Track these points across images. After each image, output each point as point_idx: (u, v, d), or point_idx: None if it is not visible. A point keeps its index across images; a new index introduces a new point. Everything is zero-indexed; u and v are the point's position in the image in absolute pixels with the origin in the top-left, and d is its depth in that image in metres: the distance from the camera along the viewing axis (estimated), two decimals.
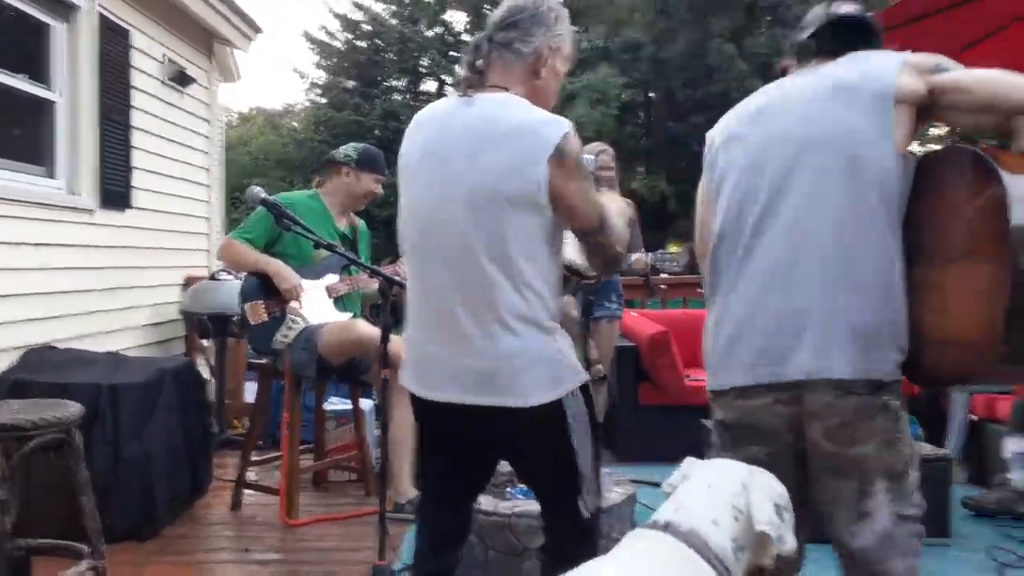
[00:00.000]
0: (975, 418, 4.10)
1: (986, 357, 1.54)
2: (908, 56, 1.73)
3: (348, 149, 3.68)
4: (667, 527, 1.34)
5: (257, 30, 6.23)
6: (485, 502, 2.66)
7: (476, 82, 1.84)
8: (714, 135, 1.95)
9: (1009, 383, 1.70)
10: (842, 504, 1.73)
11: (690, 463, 1.51)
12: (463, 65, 1.88)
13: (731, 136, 1.89)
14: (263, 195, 3.00)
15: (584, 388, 1.85)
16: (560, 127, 1.75)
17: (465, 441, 1.91)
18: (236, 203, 14.34)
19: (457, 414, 1.82)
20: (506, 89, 1.83)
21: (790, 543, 1.38)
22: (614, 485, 2.84)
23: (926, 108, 1.69)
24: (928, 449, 3.50)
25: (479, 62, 1.85)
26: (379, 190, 3.68)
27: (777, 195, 1.75)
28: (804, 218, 1.72)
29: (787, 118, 1.79)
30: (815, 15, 1.91)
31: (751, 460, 1.55)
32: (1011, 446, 3.62)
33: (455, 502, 2.00)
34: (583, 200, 1.77)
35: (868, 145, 1.69)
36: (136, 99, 4.83)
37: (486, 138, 1.76)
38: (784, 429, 1.76)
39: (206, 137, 5.97)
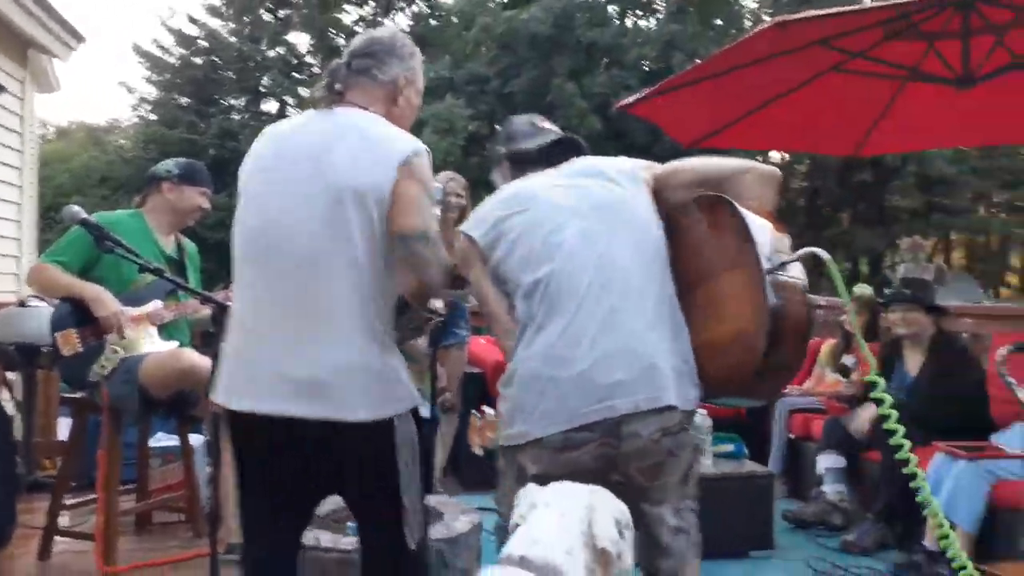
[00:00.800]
0: (792, 436, 4.41)
1: (760, 343, 1.77)
2: (626, 159, 2.14)
3: (169, 164, 3.48)
4: (522, 561, 1.33)
5: (79, 39, 5.82)
6: (325, 539, 2.55)
7: (335, 100, 1.89)
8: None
9: (775, 385, 1.99)
10: (653, 527, 1.93)
11: (534, 491, 1.51)
12: (319, 88, 1.92)
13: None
14: (82, 214, 2.77)
15: (415, 413, 1.83)
16: (416, 144, 1.83)
17: (285, 460, 1.81)
18: (51, 223, 13.25)
19: (278, 428, 1.74)
20: (366, 108, 1.88)
21: (628, 562, 1.41)
22: (460, 514, 2.80)
23: (653, 193, 2.05)
24: (752, 466, 3.73)
25: (337, 85, 1.90)
26: (206, 204, 3.46)
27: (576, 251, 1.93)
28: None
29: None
30: (529, 132, 2.21)
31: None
32: (824, 462, 3.92)
33: (279, 538, 1.91)
34: (417, 203, 1.78)
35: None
36: None
37: (341, 139, 1.79)
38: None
39: (17, 151, 5.47)
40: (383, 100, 1.92)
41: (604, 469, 1.86)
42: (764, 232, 1.87)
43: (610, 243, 1.92)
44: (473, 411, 2.38)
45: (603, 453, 1.83)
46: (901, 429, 1.87)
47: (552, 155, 2.16)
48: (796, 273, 1.86)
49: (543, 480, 1.81)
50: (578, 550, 1.37)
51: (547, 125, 2.26)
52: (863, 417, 3.87)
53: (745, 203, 1.91)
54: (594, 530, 1.39)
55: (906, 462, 1.93)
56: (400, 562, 1.83)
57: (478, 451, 2.41)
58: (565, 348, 1.82)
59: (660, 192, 2.07)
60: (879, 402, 1.89)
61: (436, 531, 2.59)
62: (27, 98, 5.66)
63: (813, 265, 2.05)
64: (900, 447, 1.90)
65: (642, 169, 2.11)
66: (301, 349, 1.73)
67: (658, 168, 2.11)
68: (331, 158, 1.77)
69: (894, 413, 1.88)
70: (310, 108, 1.94)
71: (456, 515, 2.76)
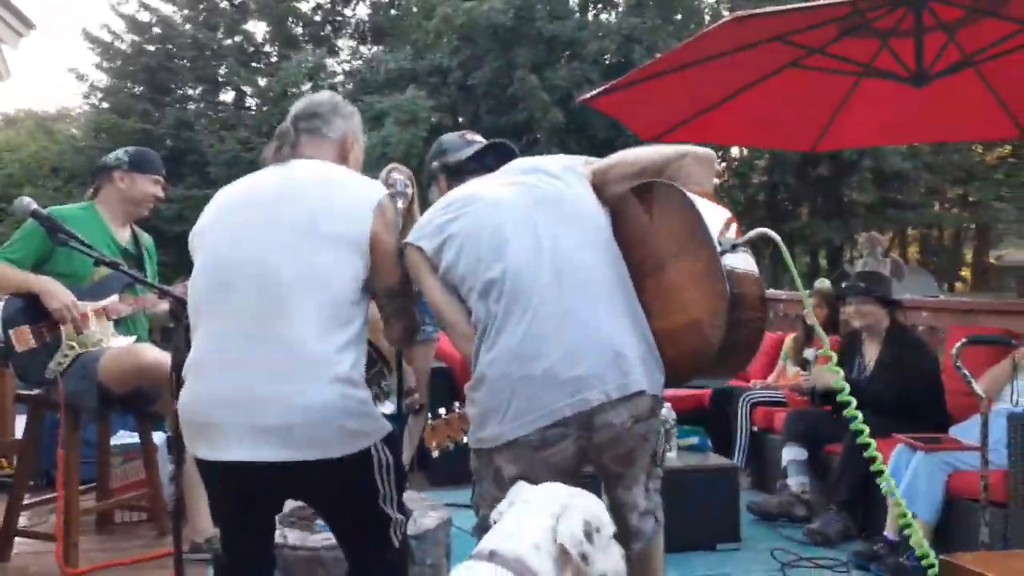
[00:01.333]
0: (755, 429, 4.48)
1: (719, 323, 1.80)
2: (563, 156, 2.18)
3: (119, 153, 3.40)
4: (492, 556, 1.34)
5: (29, 26, 5.64)
6: (293, 536, 2.53)
7: (288, 151, 1.94)
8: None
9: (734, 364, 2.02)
10: (625, 511, 1.97)
11: (517, 488, 1.52)
12: (270, 149, 1.97)
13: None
14: (33, 206, 2.69)
15: (389, 437, 1.86)
16: (383, 189, 1.91)
17: (264, 499, 1.87)
18: (2, 215, 12.88)
19: (255, 471, 1.74)
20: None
21: (599, 566, 1.40)
22: (429, 510, 2.79)
23: (594, 187, 2.07)
24: (716, 459, 3.77)
25: (285, 148, 1.94)
26: (159, 192, 3.38)
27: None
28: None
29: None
30: (460, 144, 2.28)
31: None
32: (787, 454, 3.98)
33: (256, 550, 1.94)
34: (394, 258, 1.90)
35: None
36: None
37: (308, 185, 1.85)
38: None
39: None
40: (334, 158, 1.97)
41: (579, 462, 1.87)
42: (716, 216, 1.88)
43: (558, 236, 1.91)
44: (430, 413, 2.39)
45: (579, 446, 1.84)
46: (860, 415, 1.91)
47: (486, 160, 2.19)
48: (747, 262, 1.87)
49: (522, 480, 1.84)
50: (547, 546, 1.37)
51: (477, 138, 2.30)
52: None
53: (689, 188, 1.93)
54: (558, 527, 1.38)
55: (867, 446, 1.97)
56: (386, 562, 1.87)
57: (434, 453, 2.41)
58: (529, 346, 1.81)
59: (600, 187, 2.08)
60: (839, 391, 1.92)
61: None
62: None
63: (768, 255, 2.07)
64: (860, 433, 1.93)
65: (580, 164, 2.12)
66: (272, 396, 1.71)
67: (596, 163, 2.12)
68: (304, 204, 1.81)
69: (853, 400, 1.91)
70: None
71: (425, 511, 2.76)
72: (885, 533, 3.29)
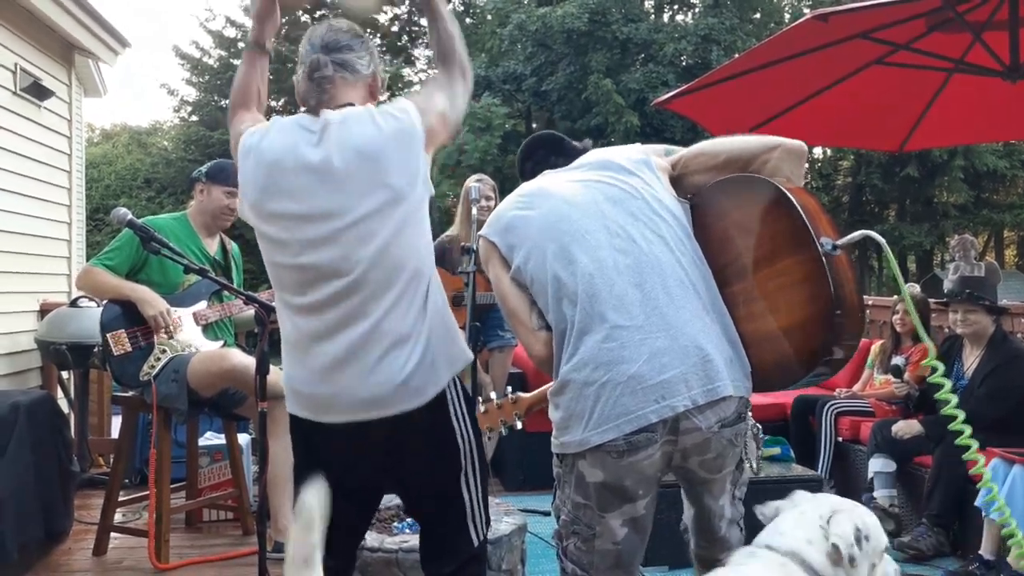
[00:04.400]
0: (840, 440, 4.33)
1: (819, 331, 1.74)
2: (640, 146, 2.07)
3: (206, 165, 3.51)
4: (767, 549, 1.47)
5: (124, 44, 5.91)
6: (371, 538, 2.57)
7: (323, 98, 1.85)
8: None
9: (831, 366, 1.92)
10: (713, 519, 1.93)
11: (792, 496, 1.61)
12: (303, 79, 1.88)
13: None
14: (129, 216, 2.84)
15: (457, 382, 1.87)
16: (408, 104, 1.85)
17: (351, 460, 1.85)
18: (100, 224, 13.55)
19: (349, 431, 1.79)
20: (352, 104, 1.85)
21: (862, 571, 1.46)
22: (504, 515, 2.80)
23: (675, 179, 1.99)
24: (800, 470, 3.66)
25: (324, 79, 1.85)
26: (232, 203, 3.34)
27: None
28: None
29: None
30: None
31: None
32: (874, 466, 3.84)
33: (339, 542, 1.89)
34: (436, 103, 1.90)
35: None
36: None
37: (363, 147, 1.78)
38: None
39: (66, 154, 5.59)
40: (364, 95, 1.91)
41: (665, 467, 1.82)
42: (810, 213, 1.77)
43: (633, 235, 1.83)
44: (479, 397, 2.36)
45: (664, 452, 1.78)
46: (968, 429, 1.77)
47: (537, 157, 2.14)
48: (844, 263, 1.76)
49: (605, 488, 1.79)
50: (819, 541, 1.46)
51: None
52: (912, 427, 3.77)
53: (776, 182, 1.83)
54: (831, 527, 1.46)
55: (969, 462, 1.85)
56: (465, 558, 1.86)
57: (486, 437, 2.38)
58: (612, 350, 1.75)
59: (683, 177, 1.98)
60: (944, 401, 1.78)
61: None
62: (75, 103, 5.78)
63: (857, 258, 1.99)
64: (966, 448, 1.80)
65: (656, 154, 2.01)
66: (365, 368, 1.77)
67: (679, 152, 2.02)
68: (370, 170, 1.78)
69: (960, 413, 1.77)
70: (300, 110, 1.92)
71: (500, 516, 2.76)
72: (981, 552, 3.14)
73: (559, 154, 2.11)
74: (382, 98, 1.99)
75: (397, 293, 1.78)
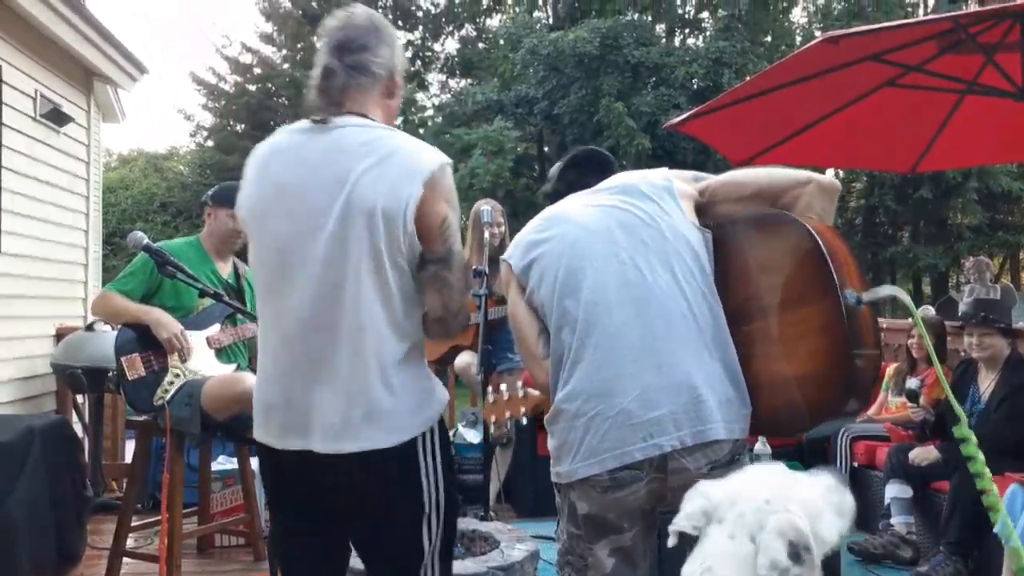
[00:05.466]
0: (856, 465, 4.28)
1: (831, 385, 1.69)
2: (666, 171, 2.02)
3: (214, 188, 3.54)
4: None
5: (142, 70, 6.00)
6: None
7: (332, 108, 1.71)
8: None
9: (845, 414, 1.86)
10: None
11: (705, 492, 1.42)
12: (312, 89, 1.74)
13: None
14: (145, 240, 2.87)
15: (441, 424, 1.72)
16: (439, 156, 1.68)
17: (317, 495, 1.71)
18: (116, 248, 13.67)
19: (313, 463, 1.64)
20: (365, 115, 1.72)
21: None
22: (516, 542, 2.77)
23: (701, 206, 1.93)
24: None
25: (335, 88, 1.71)
26: (236, 225, 3.25)
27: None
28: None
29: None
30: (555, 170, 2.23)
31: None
32: (890, 491, 3.79)
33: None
34: (443, 224, 1.66)
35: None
36: (5, 136, 4.53)
37: (356, 161, 1.63)
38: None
39: (83, 179, 5.66)
40: (379, 98, 1.75)
41: (654, 503, 1.78)
42: (838, 259, 1.70)
43: (641, 265, 1.79)
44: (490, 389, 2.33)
45: (651, 489, 1.75)
46: (980, 456, 1.76)
47: (568, 177, 2.10)
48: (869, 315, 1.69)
49: (591, 519, 1.76)
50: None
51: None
52: (929, 453, 3.73)
53: (805, 220, 1.77)
54: (758, 559, 1.28)
55: (982, 491, 1.83)
56: None
57: (492, 429, 2.35)
58: (604, 382, 1.72)
59: (710, 205, 1.93)
60: (953, 426, 1.74)
61: (492, 559, 2.57)
62: (93, 128, 5.86)
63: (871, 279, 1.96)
64: (979, 475, 1.78)
65: (683, 180, 1.96)
66: (331, 393, 1.63)
67: (708, 179, 1.97)
68: (357, 184, 1.62)
69: (973, 437, 1.73)
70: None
71: (512, 543, 2.74)
72: None
73: (598, 174, 2.07)
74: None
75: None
